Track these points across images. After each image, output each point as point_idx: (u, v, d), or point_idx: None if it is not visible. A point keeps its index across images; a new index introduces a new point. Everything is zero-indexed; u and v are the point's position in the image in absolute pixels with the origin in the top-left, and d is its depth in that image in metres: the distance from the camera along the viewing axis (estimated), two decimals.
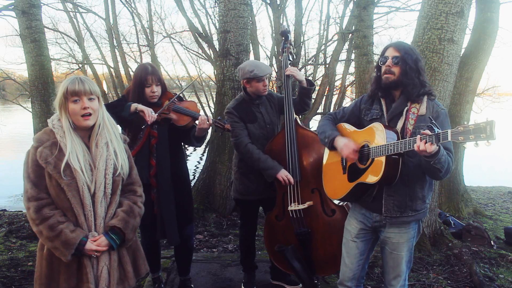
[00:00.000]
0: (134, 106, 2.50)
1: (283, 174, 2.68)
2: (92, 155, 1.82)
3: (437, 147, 1.71)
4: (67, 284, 1.78)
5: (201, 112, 2.67)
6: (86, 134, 1.85)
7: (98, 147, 1.83)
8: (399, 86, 2.00)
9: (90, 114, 1.78)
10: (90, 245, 1.77)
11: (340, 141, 2.14)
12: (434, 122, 1.74)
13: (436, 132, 1.68)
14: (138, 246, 2.04)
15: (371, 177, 1.97)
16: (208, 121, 2.53)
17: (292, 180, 2.68)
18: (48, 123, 1.83)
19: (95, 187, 1.79)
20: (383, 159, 1.91)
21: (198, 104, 2.83)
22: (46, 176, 1.75)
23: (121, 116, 2.47)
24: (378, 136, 1.96)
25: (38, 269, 1.84)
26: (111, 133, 1.88)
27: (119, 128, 1.98)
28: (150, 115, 2.47)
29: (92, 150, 1.83)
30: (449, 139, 1.63)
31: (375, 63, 2.15)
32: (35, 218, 1.73)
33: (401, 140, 1.84)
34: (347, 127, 2.24)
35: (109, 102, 2.77)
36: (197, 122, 2.61)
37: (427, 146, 1.70)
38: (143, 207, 2.01)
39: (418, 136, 1.74)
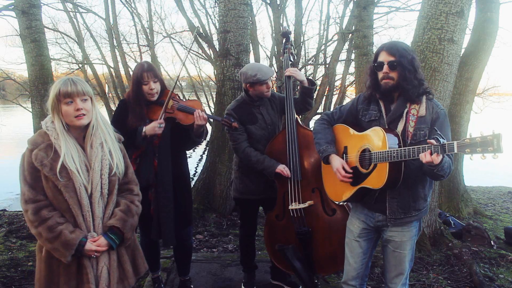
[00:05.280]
0: (143, 132, 2.53)
1: (281, 167, 2.70)
2: (87, 156, 1.81)
3: (442, 157, 1.71)
4: (67, 285, 1.77)
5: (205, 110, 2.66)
6: (80, 135, 1.84)
7: (93, 147, 1.82)
8: (399, 89, 2.00)
9: (84, 114, 1.78)
10: (89, 246, 1.77)
11: (334, 162, 2.15)
12: (439, 132, 1.72)
13: (442, 143, 1.67)
14: (137, 245, 2.04)
15: (375, 183, 1.97)
16: (204, 117, 2.53)
17: (288, 172, 2.69)
18: (41, 125, 1.82)
19: (92, 188, 1.79)
20: (386, 165, 1.90)
21: (202, 104, 2.82)
22: (43, 178, 1.74)
23: (136, 145, 2.53)
24: (380, 141, 1.95)
25: (37, 271, 1.84)
26: (105, 133, 1.87)
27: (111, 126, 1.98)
28: (158, 128, 2.52)
29: (87, 151, 1.82)
30: (456, 151, 1.62)
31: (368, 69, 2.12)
32: (34, 220, 1.72)
33: (404, 148, 1.83)
34: (346, 129, 2.21)
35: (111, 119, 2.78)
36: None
37: (433, 158, 1.68)
38: (141, 206, 2.01)
39: (426, 151, 1.72)
